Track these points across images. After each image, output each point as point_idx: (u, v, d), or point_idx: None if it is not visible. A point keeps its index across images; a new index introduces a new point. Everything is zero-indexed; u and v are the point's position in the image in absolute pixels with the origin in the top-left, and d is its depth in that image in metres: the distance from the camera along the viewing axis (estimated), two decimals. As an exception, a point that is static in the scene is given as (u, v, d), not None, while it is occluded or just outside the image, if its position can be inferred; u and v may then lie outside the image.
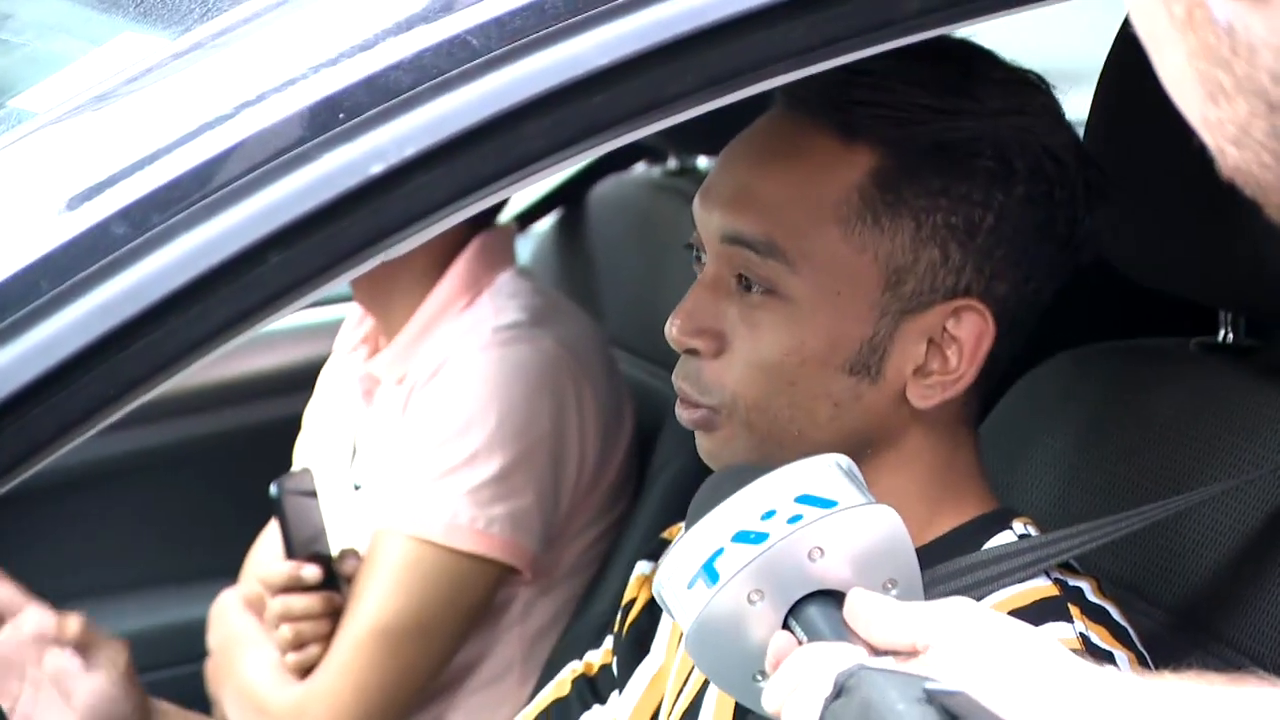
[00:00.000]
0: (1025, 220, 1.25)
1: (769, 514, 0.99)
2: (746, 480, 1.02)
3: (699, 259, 1.31)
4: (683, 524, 1.47)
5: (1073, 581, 1.24)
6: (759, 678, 0.99)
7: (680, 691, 1.36)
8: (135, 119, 1.06)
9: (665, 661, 1.40)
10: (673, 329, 1.28)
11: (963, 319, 1.25)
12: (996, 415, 1.55)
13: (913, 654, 0.94)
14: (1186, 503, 1.29)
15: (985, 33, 1.25)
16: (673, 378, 1.30)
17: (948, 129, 1.23)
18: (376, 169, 1.00)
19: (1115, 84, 1.45)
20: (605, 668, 1.45)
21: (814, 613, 0.98)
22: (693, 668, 1.36)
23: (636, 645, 1.42)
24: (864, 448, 1.24)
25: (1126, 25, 1.46)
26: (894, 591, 1.00)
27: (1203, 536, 1.38)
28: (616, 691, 1.42)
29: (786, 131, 1.26)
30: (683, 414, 1.29)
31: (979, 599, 1.17)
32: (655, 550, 1.47)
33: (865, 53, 1.08)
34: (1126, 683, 0.92)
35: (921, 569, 1.04)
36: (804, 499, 1.00)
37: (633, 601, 1.44)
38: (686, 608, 1.00)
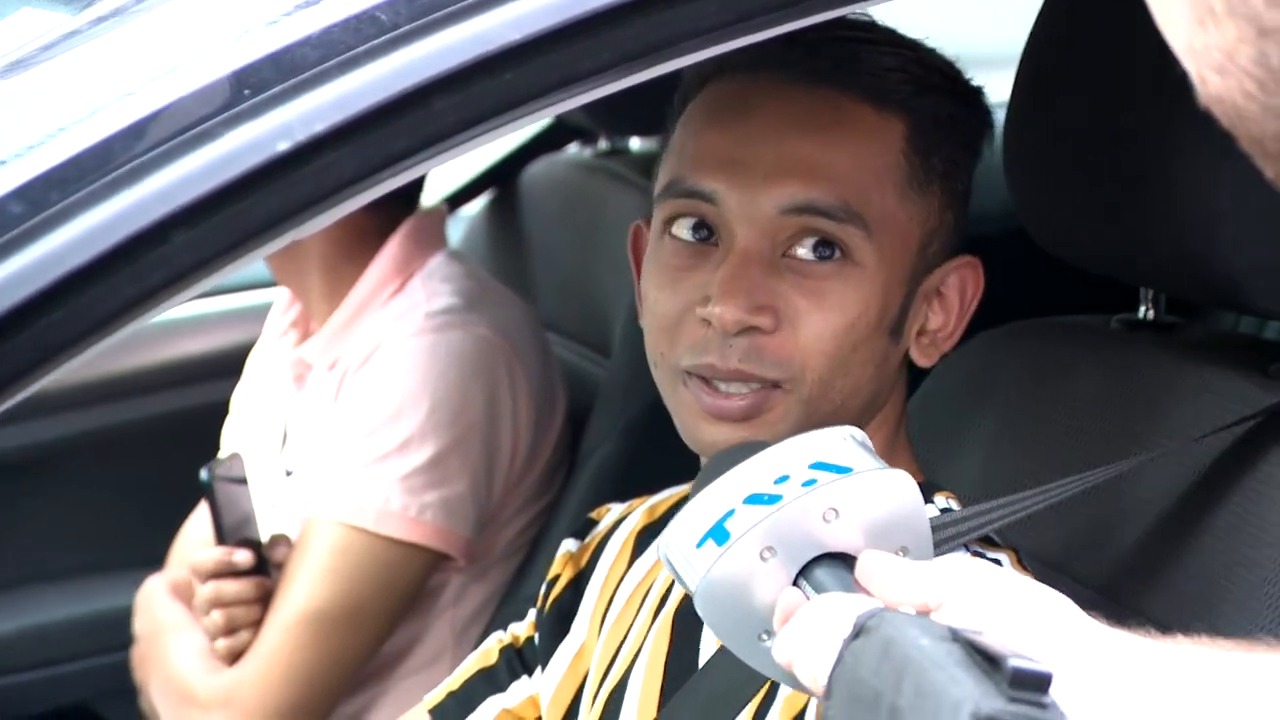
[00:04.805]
0: (971, 178, 1.31)
1: (782, 479, 0.98)
2: (753, 454, 1.00)
3: (709, 234, 1.26)
4: (610, 505, 1.47)
5: (991, 554, 1.24)
6: (764, 637, 0.98)
7: (607, 671, 1.35)
8: (34, 95, 1.04)
9: (587, 639, 1.39)
10: (731, 309, 1.23)
11: (954, 276, 1.30)
12: (920, 393, 1.56)
13: (925, 612, 0.93)
14: (1104, 475, 1.29)
15: (881, 14, 1.29)
16: (711, 362, 1.23)
17: (960, 98, 1.29)
18: (283, 146, 0.98)
19: (1037, 65, 1.45)
20: (530, 640, 1.44)
21: (823, 573, 0.97)
22: (619, 647, 1.35)
23: (559, 622, 1.41)
24: (873, 413, 1.28)
25: (1046, 7, 1.46)
26: (907, 558, 0.98)
27: (1123, 512, 1.39)
28: (540, 667, 1.42)
29: (819, 103, 1.26)
30: (727, 404, 1.24)
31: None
32: (581, 529, 1.46)
33: (774, 31, 1.07)
34: (1140, 642, 0.91)
35: None
36: (818, 465, 0.99)
37: (557, 578, 1.43)
38: (695, 566, 0.98)
